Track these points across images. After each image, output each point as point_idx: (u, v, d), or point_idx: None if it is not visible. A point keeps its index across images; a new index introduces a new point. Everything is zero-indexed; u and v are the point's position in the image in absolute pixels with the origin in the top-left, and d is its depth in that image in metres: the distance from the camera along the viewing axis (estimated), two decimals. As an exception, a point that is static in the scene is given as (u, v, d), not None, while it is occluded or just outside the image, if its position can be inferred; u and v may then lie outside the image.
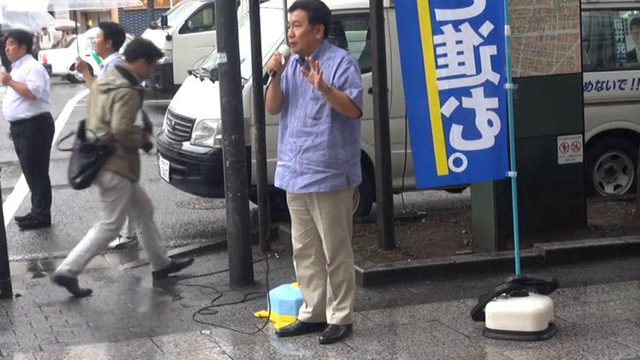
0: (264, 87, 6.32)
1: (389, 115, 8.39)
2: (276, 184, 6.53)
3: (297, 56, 6.36)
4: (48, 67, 31.19)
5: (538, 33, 8.32)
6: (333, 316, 6.46)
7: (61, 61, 30.54)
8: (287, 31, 6.39)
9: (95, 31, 28.77)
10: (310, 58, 6.17)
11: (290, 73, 6.39)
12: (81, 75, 9.83)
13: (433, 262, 7.92)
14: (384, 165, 8.27)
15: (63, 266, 7.80)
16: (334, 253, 6.36)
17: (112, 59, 9.13)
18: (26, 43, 10.42)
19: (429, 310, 7.02)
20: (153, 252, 8.16)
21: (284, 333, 6.57)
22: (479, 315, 6.52)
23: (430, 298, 7.33)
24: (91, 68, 10.12)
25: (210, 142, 9.54)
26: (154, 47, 8.19)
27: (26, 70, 10.24)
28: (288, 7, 6.62)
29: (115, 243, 9.26)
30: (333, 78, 6.22)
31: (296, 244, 6.52)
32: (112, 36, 9.26)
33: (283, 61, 6.29)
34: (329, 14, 6.39)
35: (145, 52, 8.03)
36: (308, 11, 6.26)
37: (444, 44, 6.59)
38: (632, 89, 10.12)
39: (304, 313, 6.58)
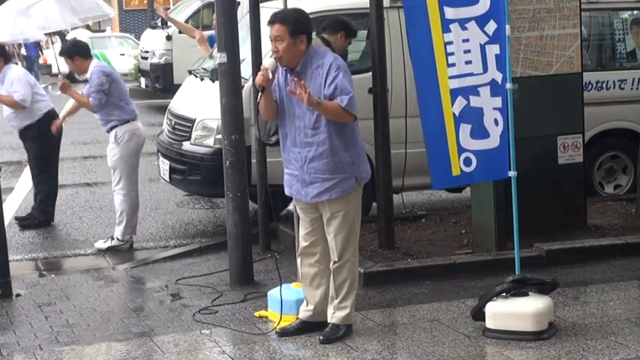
0: (256, 101, 6.29)
1: (389, 115, 8.38)
2: (287, 192, 6.52)
3: None
4: (48, 67, 31.16)
5: (538, 33, 8.31)
6: (333, 315, 6.45)
7: (62, 60, 30.45)
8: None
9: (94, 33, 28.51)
10: (296, 78, 6.11)
11: (282, 81, 6.34)
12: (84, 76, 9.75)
13: (433, 262, 7.92)
14: (384, 165, 8.27)
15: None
16: (342, 250, 6.35)
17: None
18: (2, 55, 10.26)
19: (429, 310, 7.02)
20: None
21: (284, 333, 6.57)
22: (479, 315, 6.52)
23: (430, 298, 7.33)
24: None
25: (210, 141, 9.53)
26: (351, 24, 8.86)
27: (10, 81, 10.14)
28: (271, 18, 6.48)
29: (105, 245, 9.26)
30: (324, 87, 6.18)
31: (302, 242, 6.52)
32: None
33: (270, 76, 6.24)
34: (309, 21, 6.32)
35: (344, 26, 8.75)
36: (287, 25, 6.17)
37: (451, 42, 6.57)
38: (632, 89, 10.11)
39: (305, 312, 6.58)
